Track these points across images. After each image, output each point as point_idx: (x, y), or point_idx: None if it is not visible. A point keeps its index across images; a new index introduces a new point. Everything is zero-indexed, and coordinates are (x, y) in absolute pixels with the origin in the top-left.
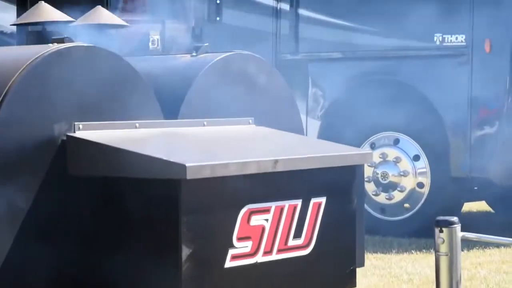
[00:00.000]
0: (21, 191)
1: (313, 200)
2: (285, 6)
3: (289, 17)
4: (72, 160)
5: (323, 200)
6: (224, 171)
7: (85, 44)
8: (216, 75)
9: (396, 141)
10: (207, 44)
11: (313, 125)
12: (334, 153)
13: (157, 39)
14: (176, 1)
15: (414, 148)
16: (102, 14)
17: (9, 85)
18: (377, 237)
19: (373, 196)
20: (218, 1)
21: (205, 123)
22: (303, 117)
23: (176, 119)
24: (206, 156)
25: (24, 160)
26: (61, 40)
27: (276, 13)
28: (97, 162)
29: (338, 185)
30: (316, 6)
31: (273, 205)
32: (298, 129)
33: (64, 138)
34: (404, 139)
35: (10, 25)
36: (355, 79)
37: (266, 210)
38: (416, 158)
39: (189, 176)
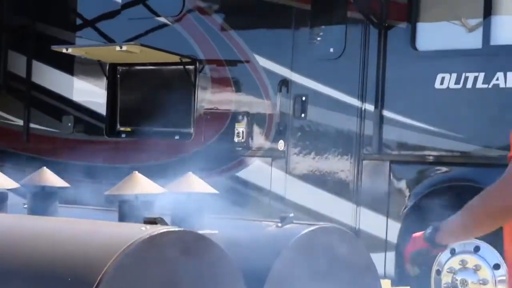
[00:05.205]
0: None
1: None
2: (370, 107)
3: (373, 118)
4: None
5: None
6: None
7: (176, 229)
8: (301, 249)
9: (477, 249)
10: (292, 214)
11: (393, 227)
12: None
13: (242, 132)
14: (262, 95)
15: (495, 256)
16: (193, 182)
17: (102, 273)
18: None
19: None
20: (303, 98)
21: None
22: (383, 218)
23: None
24: None
25: None
26: (153, 221)
27: (360, 113)
28: None
29: None
30: (400, 109)
31: None
32: None
33: None
34: (485, 247)
35: (105, 194)
36: (436, 184)
37: None
38: (497, 266)
39: None
